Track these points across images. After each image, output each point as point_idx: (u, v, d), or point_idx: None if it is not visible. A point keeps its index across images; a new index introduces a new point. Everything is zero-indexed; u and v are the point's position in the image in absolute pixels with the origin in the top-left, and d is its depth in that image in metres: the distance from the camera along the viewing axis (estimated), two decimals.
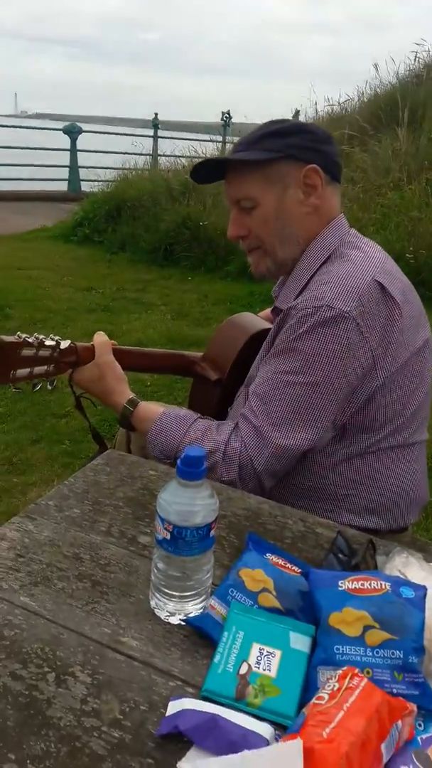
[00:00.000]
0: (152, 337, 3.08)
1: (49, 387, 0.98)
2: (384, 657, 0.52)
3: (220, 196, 4.95)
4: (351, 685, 0.47)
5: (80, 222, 5.21)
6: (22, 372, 0.92)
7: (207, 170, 0.99)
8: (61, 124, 9.48)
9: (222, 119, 10.78)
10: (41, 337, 0.94)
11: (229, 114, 10.77)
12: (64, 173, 9.22)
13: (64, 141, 9.19)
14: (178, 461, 0.56)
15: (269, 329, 1.02)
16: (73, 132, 9.07)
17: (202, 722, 0.47)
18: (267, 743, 0.46)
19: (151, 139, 10.28)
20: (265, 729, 0.47)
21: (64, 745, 0.46)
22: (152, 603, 0.60)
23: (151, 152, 9.84)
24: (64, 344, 0.95)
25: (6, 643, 0.54)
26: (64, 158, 9.17)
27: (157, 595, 0.59)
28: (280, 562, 0.63)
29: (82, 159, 9.21)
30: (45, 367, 0.95)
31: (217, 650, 0.54)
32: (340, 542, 0.69)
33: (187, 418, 0.94)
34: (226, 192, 0.98)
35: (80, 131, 9.17)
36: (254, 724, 0.47)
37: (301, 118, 8.75)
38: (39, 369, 0.94)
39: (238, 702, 0.50)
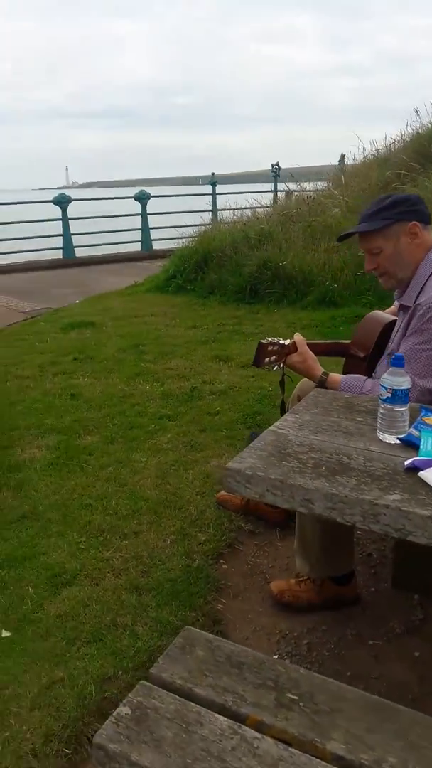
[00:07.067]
0: None
1: (276, 368, 1.65)
2: None
3: (291, 240, 5.71)
4: None
5: (173, 275, 6.10)
6: (268, 359, 1.60)
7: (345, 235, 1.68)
8: (112, 191, 10.58)
9: (272, 170, 11.81)
10: (274, 339, 1.62)
11: (278, 165, 11.80)
12: (133, 236, 10.28)
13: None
14: (393, 360, 1.20)
15: (395, 320, 1.67)
16: (142, 198, 10.21)
17: (425, 462, 1.10)
18: None
19: (204, 196, 11.33)
20: None
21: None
22: (381, 437, 1.24)
23: (210, 208, 10.92)
24: (287, 342, 1.63)
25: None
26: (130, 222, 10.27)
27: (383, 434, 1.23)
28: None
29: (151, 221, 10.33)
30: (275, 357, 1.63)
31: (420, 447, 1.16)
32: None
33: (360, 378, 1.60)
34: (360, 244, 1.65)
35: (149, 196, 10.31)
36: None
37: (348, 162, 9.57)
38: (273, 357, 1.62)
39: None
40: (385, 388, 1.20)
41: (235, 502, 2.14)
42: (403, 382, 1.19)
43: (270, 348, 1.59)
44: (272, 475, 1.10)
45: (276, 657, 1.54)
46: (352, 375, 1.63)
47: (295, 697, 0.94)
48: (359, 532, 1.94)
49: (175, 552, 1.94)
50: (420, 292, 1.54)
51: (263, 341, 1.58)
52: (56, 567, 1.92)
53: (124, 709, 0.94)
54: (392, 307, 1.98)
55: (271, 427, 1.32)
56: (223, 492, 2.22)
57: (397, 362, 1.21)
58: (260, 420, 2.84)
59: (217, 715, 0.92)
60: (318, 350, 1.74)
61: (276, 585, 1.73)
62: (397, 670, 1.49)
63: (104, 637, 1.63)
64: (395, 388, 1.19)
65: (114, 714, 0.94)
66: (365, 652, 1.54)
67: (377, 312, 1.86)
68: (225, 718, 0.91)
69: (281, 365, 1.64)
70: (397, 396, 1.20)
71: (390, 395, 1.20)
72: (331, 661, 1.52)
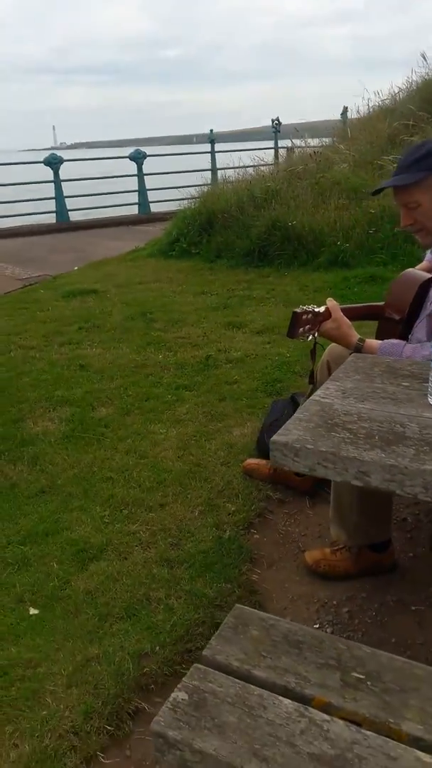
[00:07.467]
0: (274, 322, 3.68)
1: (311, 338, 1.56)
2: None
3: (299, 198, 5.52)
4: None
5: (176, 238, 5.93)
6: (302, 329, 1.51)
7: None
8: (103, 152, 10.24)
9: (273, 126, 11.39)
10: (308, 307, 1.53)
11: (279, 120, 11.37)
12: (129, 198, 9.96)
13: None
14: None
15: (431, 278, 1.58)
16: (138, 158, 9.85)
17: None
18: None
19: (202, 155, 10.94)
20: None
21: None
22: (430, 400, 1.17)
23: (210, 167, 10.56)
24: (320, 309, 1.53)
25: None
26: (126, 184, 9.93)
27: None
28: None
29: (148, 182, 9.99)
30: (309, 325, 1.54)
31: None
32: None
33: (399, 343, 1.51)
34: (395, 198, 1.53)
35: (145, 156, 9.94)
36: None
37: (352, 115, 9.20)
38: (308, 326, 1.53)
39: None
40: None
41: (262, 471, 2.09)
42: None
43: (304, 317, 1.50)
44: (323, 448, 1.04)
45: (317, 627, 1.51)
46: (389, 340, 1.55)
47: (362, 677, 0.90)
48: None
49: (204, 523, 1.91)
50: None
51: (297, 310, 1.49)
52: (81, 542, 1.89)
53: (180, 694, 0.90)
54: (424, 262, 1.88)
55: (314, 396, 1.24)
56: (249, 460, 2.17)
57: None
58: (280, 387, 2.77)
59: (280, 698, 0.88)
60: (351, 315, 1.65)
61: (310, 555, 1.70)
62: None
63: (138, 612, 1.60)
64: None
65: (170, 700, 0.90)
66: (408, 618, 1.52)
67: (411, 270, 1.76)
68: (289, 701, 0.87)
69: (315, 334, 1.56)
70: None
71: None
72: (374, 629, 1.49)
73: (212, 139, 10.88)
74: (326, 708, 0.86)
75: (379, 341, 1.54)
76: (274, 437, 1.10)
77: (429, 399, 1.18)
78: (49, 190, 9.18)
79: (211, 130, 11.08)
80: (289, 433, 1.10)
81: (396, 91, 8.01)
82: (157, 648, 1.48)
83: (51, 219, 9.30)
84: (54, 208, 9.23)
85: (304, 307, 1.51)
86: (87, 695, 1.38)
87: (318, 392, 1.27)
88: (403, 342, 1.52)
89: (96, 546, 1.87)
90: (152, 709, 1.36)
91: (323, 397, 1.24)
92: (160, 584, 1.68)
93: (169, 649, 1.48)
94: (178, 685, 0.92)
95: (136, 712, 1.36)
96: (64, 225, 9.15)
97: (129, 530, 1.93)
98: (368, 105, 8.20)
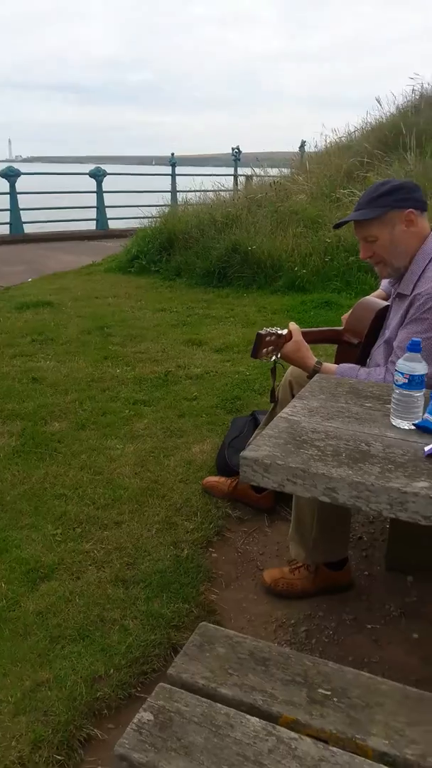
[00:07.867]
0: (234, 341, 3.72)
1: (273, 358, 1.59)
2: None
3: (258, 225, 5.66)
4: None
5: (136, 255, 5.94)
6: (265, 350, 1.55)
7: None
8: (60, 167, 10.32)
9: (232, 154, 11.69)
10: (272, 329, 1.56)
11: (239, 149, 11.69)
12: (85, 214, 9.96)
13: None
14: (409, 346, 1.17)
15: (387, 306, 1.66)
16: (98, 175, 9.88)
17: None
18: None
19: (162, 177, 11.09)
20: None
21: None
22: (394, 422, 1.21)
23: (170, 189, 10.69)
24: (282, 332, 1.58)
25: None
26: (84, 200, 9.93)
27: (397, 419, 1.20)
28: None
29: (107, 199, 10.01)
30: (272, 347, 1.57)
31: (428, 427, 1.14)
32: None
33: (354, 367, 1.57)
34: (355, 232, 1.60)
35: (105, 174, 9.98)
36: None
37: (309, 149, 9.58)
38: (271, 348, 1.56)
39: None
40: (402, 374, 1.17)
41: (221, 488, 2.09)
42: (420, 367, 1.17)
43: (268, 338, 1.54)
44: (292, 464, 1.05)
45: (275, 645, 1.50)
46: (345, 364, 1.60)
47: (328, 693, 0.90)
48: None
49: (161, 542, 1.87)
50: (418, 281, 1.52)
51: (261, 332, 1.53)
52: (31, 561, 1.81)
53: (145, 715, 0.87)
54: (379, 290, 1.96)
55: (282, 414, 1.26)
56: (209, 477, 2.16)
57: (414, 347, 1.18)
58: (240, 405, 2.79)
59: (247, 716, 0.87)
60: (310, 338, 1.70)
61: (269, 574, 1.70)
62: (398, 652, 1.49)
63: (91, 633, 1.54)
64: (412, 373, 1.16)
65: (135, 721, 0.87)
66: (364, 636, 1.54)
67: (369, 298, 1.84)
68: (257, 719, 0.86)
69: (277, 355, 1.59)
70: (414, 381, 1.17)
71: (407, 381, 1.17)
72: (331, 648, 1.50)
73: (173, 162, 11.03)
74: (293, 725, 0.86)
75: (336, 365, 1.59)
76: (244, 452, 1.10)
77: (392, 420, 1.22)
78: (4, 202, 9.04)
79: (173, 154, 11.24)
80: (259, 448, 1.11)
81: (352, 130, 8.44)
82: (112, 671, 1.43)
83: (3, 231, 9.13)
84: (8, 220, 9.08)
85: (268, 329, 1.54)
86: (36, 723, 1.31)
87: (285, 410, 1.29)
88: (358, 367, 1.58)
89: (47, 565, 1.80)
90: (105, 735, 1.31)
91: (291, 415, 1.26)
92: (114, 604, 1.63)
93: (125, 671, 1.43)
94: (143, 705, 0.89)
95: (87, 739, 1.30)
96: (18, 237, 9.00)
97: (82, 549, 1.87)
98: (326, 140, 8.58)
